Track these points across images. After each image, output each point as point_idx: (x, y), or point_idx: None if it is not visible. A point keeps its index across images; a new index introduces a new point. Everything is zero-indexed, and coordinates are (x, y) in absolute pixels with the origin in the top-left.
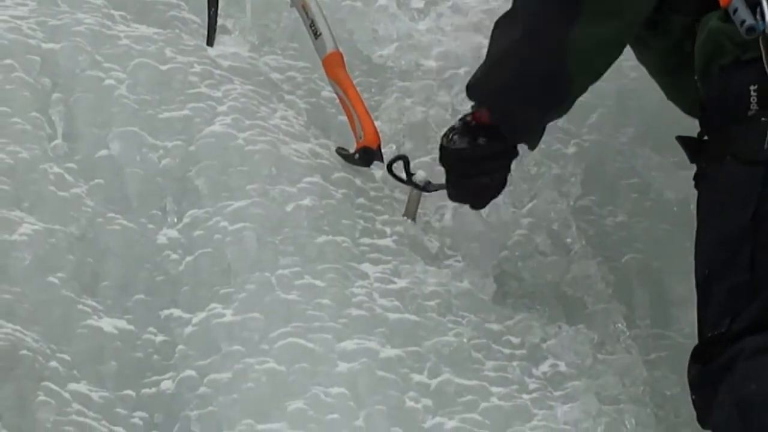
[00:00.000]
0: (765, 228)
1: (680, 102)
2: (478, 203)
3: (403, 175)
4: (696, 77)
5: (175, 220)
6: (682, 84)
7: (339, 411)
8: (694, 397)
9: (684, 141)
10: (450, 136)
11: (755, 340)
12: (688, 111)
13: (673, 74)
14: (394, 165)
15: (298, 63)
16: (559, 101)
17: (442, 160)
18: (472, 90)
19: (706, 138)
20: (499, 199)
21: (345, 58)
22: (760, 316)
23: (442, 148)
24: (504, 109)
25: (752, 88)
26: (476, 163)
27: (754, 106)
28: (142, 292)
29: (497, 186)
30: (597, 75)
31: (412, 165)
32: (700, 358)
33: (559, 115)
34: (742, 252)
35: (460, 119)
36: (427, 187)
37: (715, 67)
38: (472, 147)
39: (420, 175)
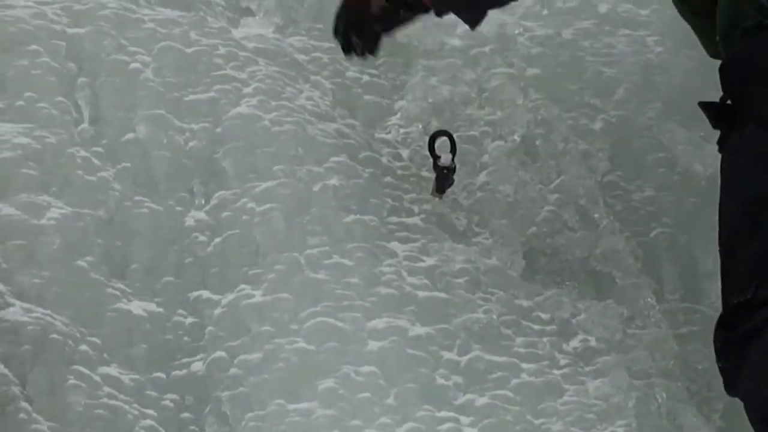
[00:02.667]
0: None
1: (705, 45)
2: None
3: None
4: (718, 39)
5: (203, 201)
6: (704, 29)
7: (370, 389)
8: (720, 364)
9: (706, 106)
10: None
11: None
12: (713, 55)
13: (695, 18)
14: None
15: (323, 44)
16: None
17: None
18: None
19: (728, 102)
20: (527, 176)
21: None
22: None
23: None
24: None
25: None
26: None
27: None
28: (171, 275)
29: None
30: None
31: (438, 144)
32: (726, 324)
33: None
34: (766, 217)
35: None
36: (443, 174)
37: (737, 32)
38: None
39: (446, 159)
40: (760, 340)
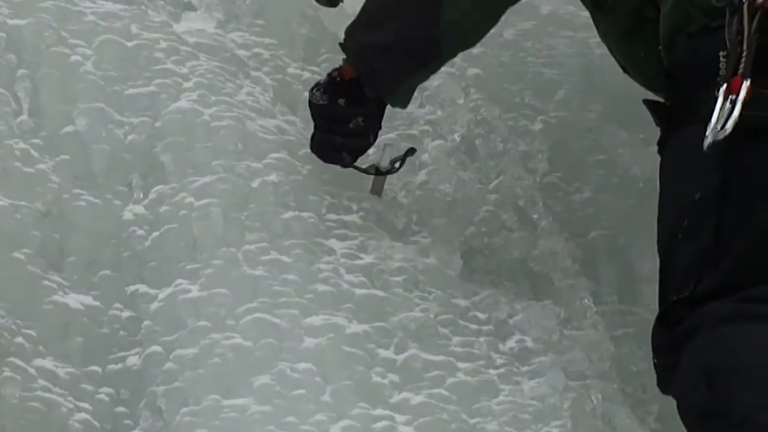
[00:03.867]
0: (732, 193)
1: (638, 73)
2: (331, 160)
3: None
4: (660, 46)
5: (141, 195)
6: (640, 53)
7: (305, 386)
8: (656, 360)
9: (651, 104)
10: (314, 91)
11: (718, 309)
12: (646, 84)
13: (632, 42)
14: None
15: (264, 39)
16: (427, 65)
17: (310, 112)
18: (345, 43)
19: (670, 104)
20: (466, 176)
21: (311, 36)
22: (724, 280)
23: (308, 101)
24: (370, 67)
25: (722, 54)
26: (333, 120)
27: (722, 72)
28: (108, 268)
29: (351, 150)
30: (468, 45)
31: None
32: (664, 322)
33: (425, 78)
34: (708, 216)
35: (328, 74)
36: (390, 170)
37: (681, 36)
38: (331, 105)
39: (384, 159)
40: (695, 341)
